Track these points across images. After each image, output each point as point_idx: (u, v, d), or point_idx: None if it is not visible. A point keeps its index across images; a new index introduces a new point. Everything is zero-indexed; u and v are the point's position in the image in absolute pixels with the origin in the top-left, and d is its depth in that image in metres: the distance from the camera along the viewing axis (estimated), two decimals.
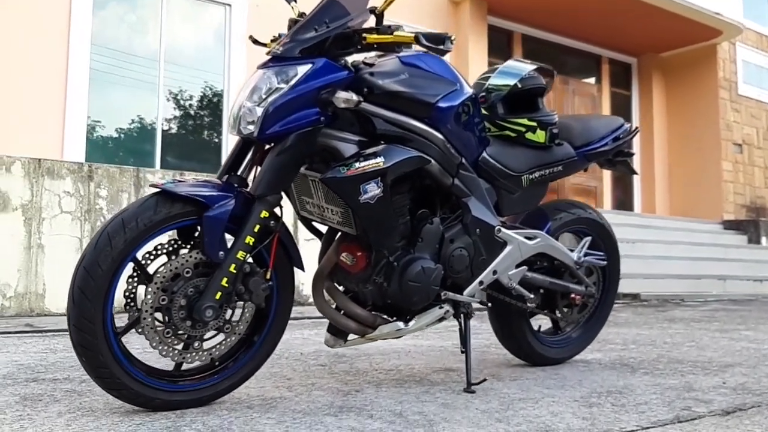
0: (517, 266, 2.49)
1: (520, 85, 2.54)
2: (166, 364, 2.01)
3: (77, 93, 6.70)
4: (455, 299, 2.32)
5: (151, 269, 1.94)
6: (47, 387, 2.27)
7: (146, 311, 1.85)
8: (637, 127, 2.97)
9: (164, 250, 1.96)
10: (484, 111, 2.53)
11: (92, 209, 4.86)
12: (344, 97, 1.97)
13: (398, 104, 2.13)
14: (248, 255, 1.94)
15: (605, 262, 2.80)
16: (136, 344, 2.51)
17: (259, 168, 2.05)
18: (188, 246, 1.99)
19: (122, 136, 7.35)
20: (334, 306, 2.27)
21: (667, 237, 9.24)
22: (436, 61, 2.25)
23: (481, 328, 3.83)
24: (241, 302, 1.99)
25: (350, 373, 2.58)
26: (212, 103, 7.97)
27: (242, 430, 1.75)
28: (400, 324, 2.23)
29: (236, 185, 2.00)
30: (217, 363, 2.04)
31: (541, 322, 2.89)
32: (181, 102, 7.83)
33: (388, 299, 2.20)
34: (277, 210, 2.01)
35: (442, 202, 2.33)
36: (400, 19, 8.46)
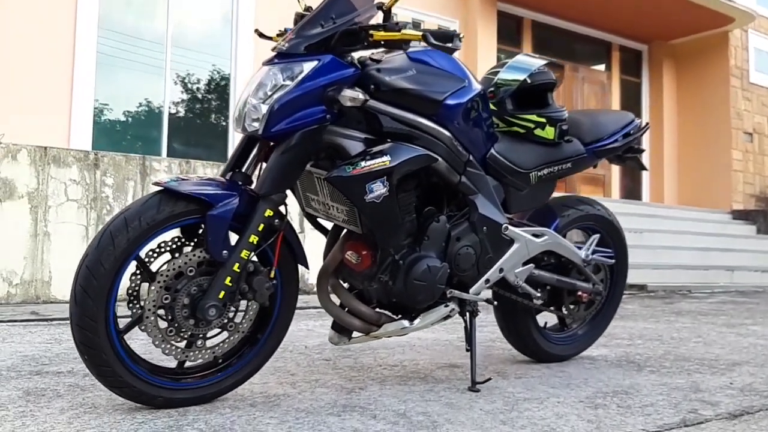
0: (524, 264, 2.46)
1: (529, 81, 2.50)
2: (170, 361, 2.01)
3: (84, 77, 6.69)
4: (461, 297, 2.30)
5: (154, 267, 1.93)
6: (51, 381, 2.27)
7: (149, 309, 1.83)
8: (647, 123, 2.93)
9: (168, 248, 1.94)
10: (492, 106, 2.50)
11: (98, 197, 4.85)
12: (350, 96, 1.94)
13: (405, 101, 2.09)
14: (252, 254, 1.93)
15: (613, 261, 2.77)
16: (140, 337, 2.51)
17: (264, 165, 2.03)
18: (192, 243, 1.98)
19: (130, 119, 7.34)
20: (338, 303, 2.26)
21: (675, 227, 9.19)
22: (444, 57, 2.21)
23: (487, 321, 3.81)
24: (245, 301, 1.98)
25: (354, 368, 2.57)
26: (219, 87, 7.95)
27: (244, 430, 1.74)
28: (405, 322, 2.21)
29: (240, 183, 1.98)
30: (220, 361, 2.03)
31: (547, 318, 2.88)
32: (189, 86, 7.81)
33: (394, 298, 2.18)
34: (281, 208, 1.99)
35: (449, 200, 2.31)
36: (409, 4, 8.42)
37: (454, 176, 2.23)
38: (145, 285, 1.90)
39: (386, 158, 2.01)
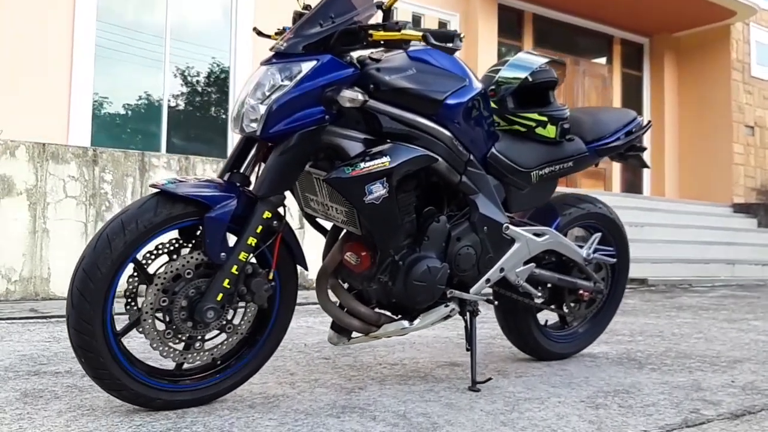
0: (525, 263, 2.45)
1: (531, 79, 2.48)
2: (168, 363, 1.99)
3: (83, 70, 6.66)
4: (461, 297, 2.29)
5: (151, 269, 1.91)
6: (48, 381, 2.26)
7: (147, 312, 1.82)
8: (649, 121, 2.91)
9: (165, 250, 1.93)
10: (493, 104, 2.47)
11: (97, 194, 4.84)
12: (349, 97, 1.92)
13: (405, 101, 2.07)
14: (250, 256, 1.91)
15: (615, 260, 2.75)
16: (138, 338, 2.49)
17: (262, 165, 2.01)
18: (189, 245, 1.96)
19: (129, 112, 7.31)
20: (337, 304, 2.24)
21: (675, 220, 9.17)
22: (444, 55, 2.19)
23: (487, 317, 3.80)
24: (244, 303, 1.97)
25: (354, 367, 2.56)
26: (219, 80, 7.92)
27: None
28: (405, 323, 2.20)
29: (239, 184, 1.96)
30: (219, 362, 2.02)
31: (548, 316, 2.86)
32: (188, 79, 7.78)
33: (393, 298, 2.17)
34: (280, 209, 1.97)
35: (449, 199, 2.29)
36: None
37: (455, 176, 2.21)
38: (142, 287, 1.89)
39: (386, 159, 1.99)
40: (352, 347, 2.97)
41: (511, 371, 2.55)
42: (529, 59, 2.57)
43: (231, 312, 1.95)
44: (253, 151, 2.04)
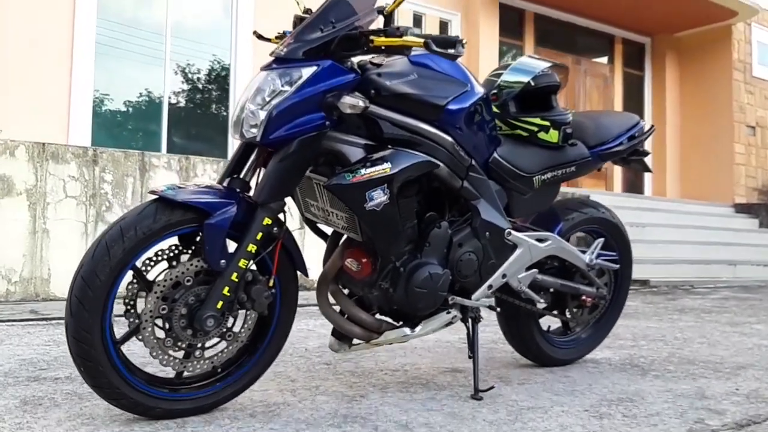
0: (528, 269, 2.43)
1: (533, 83, 2.46)
2: (168, 371, 1.98)
3: (83, 68, 6.63)
4: (463, 304, 2.27)
5: (151, 275, 1.90)
6: (48, 388, 2.24)
7: (146, 320, 1.80)
8: (653, 126, 2.89)
9: (165, 256, 1.91)
10: (495, 109, 2.45)
11: (97, 194, 4.82)
12: (350, 103, 1.90)
13: (406, 106, 2.05)
14: (250, 263, 1.89)
15: (618, 266, 2.74)
16: (137, 344, 2.47)
17: (262, 170, 2.00)
18: (189, 251, 1.94)
19: (130, 109, 7.29)
20: (338, 310, 2.23)
21: (677, 221, 9.15)
22: (446, 60, 2.16)
23: (488, 320, 3.77)
24: (244, 310, 1.95)
25: (355, 373, 2.55)
26: (220, 78, 7.90)
27: None
28: (407, 330, 2.18)
29: (238, 190, 1.94)
30: (219, 370, 2.00)
31: (550, 322, 2.84)
32: (189, 76, 7.76)
33: (394, 305, 2.15)
34: (280, 216, 1.95)
35: (451, 205, 2.27)
36: None
37: (456, 181, 2.19)
38: (142, 294, 1.87)
39: (387, 165, 1.97)
40: (353, 352, 2.95)
41: (514, 378, 2.53)
42: (532, 63, 2.55)
43: (231, 319, 1.93)
44: (253, 156, 2.02)
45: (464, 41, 1.87)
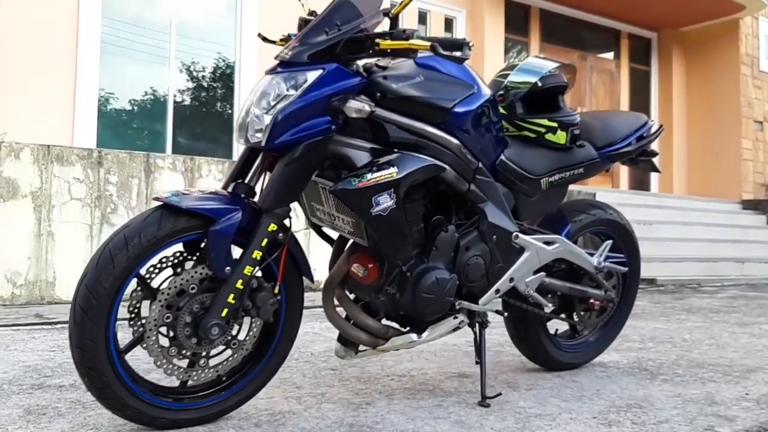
0: (535, 272, 2.40)
1: (540, 84, 2.43)
2: (172, 380, 1.96)
3: (88, 67, 6.62)
4: (470, 309, 2.25)
5: (155, 282, 1.87)
6: (52, 396, 2.23)
7: (150, 329, 1.78)
8: (661, 126, 2.85)
9: (169, 263, 1.89)
10: (502, 110, 2.42)
11: (102, 196, 4.81)
12: (356, 107, 1.88)
13: (412, 109, 2.03)
14: (256, 269, 1.87)
15: (626, 269, 2.71)
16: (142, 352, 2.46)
17: (267, 174, 1.97)
18: (194, 258, 1.92)
19: (135, 108, 7.28)
20: (344, 316, 2.20)
21: (684, 218, 9.09)
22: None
23: (495, 323, 3.74)
24: (249, 318, 1.93)
25: (361, 379, 2.52)
26: (225, 76, 7.88)
27: None
28: (413, 336, 2.16)
29: (243, 196, 1.92)
30: (224, 378, 1.98)
31: (558, 325, 2.81)
32: (194, 74, 7.74)
33: (401, 310, 2.13)
34: (286, 222, 1.93)
35: (458, 208, 2.24)
36: None
37: (463, 184, 2.16)
38: (146, 302, 1.85)
39: (393, 170, 1.94)
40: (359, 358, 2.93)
41: (521, 383, 2.51)
42: (539, 63, 2.51)
43: (236, 327, 1.91)
44: (258, 161, 1.99)
45: (471, 43, 1.84)
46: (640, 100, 11.77)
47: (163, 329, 1.82)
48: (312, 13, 2.17)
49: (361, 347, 2.19)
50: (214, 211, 1.81)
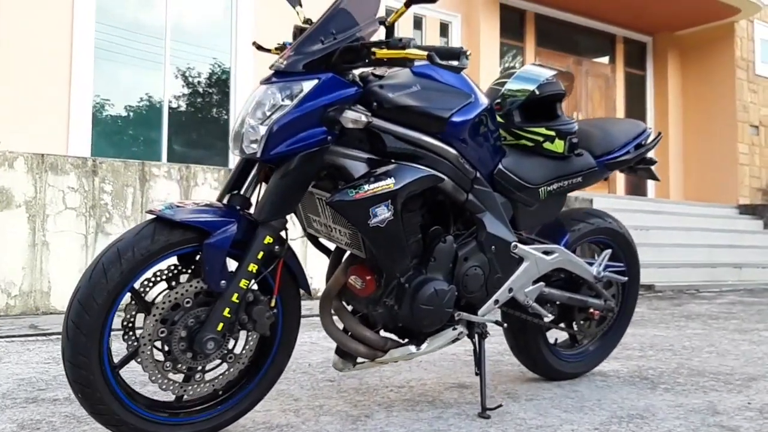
0: (534, 282, 2.38)
1: (538, 92, 2.41)
2: (167, 395, 1.92)
3: (83, 73, 6.57)
4: (469, 320, 2.22)
5: (150, 296, 1.84)
6: (46, 410, 2.19)
7: (145, 344, 1.75)
8: (660, 133, 2.84)
9: (164, 276, 1.86)
10: (499, 119, 2.40)
11: (97, 205, 4.77)
12: (352, 118, 1.85)
13: (410, 119, 2.00)
14: (251, 282, 1.84)
15: (626, 278, 2.68)
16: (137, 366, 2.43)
17: (263, 185, 1.95)
18: (188, 271, 1.89)
19: (130, 114, 7.24)
20: (341, 328, 2.18)
21: (681, 223, 9.08)
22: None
23: (494, 331, 3.73)
24: (245, 331, 1.90)
25: (360, 391, 2.50)
26: (220, 81, 7.84)
27: None
28: (412, 348, 2.14)
29: (239, 207, 1.90)
30: (220, 393, 1.95)
31: (558, 334, 2.79)
32: (189, 80, 7.71)
33: (400, 322, 2.10)
34: (282, 234, 1.90)
35: (456, 218, 2.22)
36: None
37: (461, 195, 2.14)
38: (140, 316, 1.82)
39: (390, 181, 1.92)
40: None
41: (521, 394, 2.48)
42: (536, 71, 2.49)
43: (232, 341, 1.88)
44: (253, 172, 1.97)
45: (468, 52, 1.81)
46: (635, 104, 11.78)
47: (158, 344, 1.79)
48: (307, 21, 2.15)
49: (360, 359, 2.16)
50: (208, 224, 1.78)
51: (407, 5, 1.91)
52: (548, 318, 2.47)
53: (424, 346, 2.15)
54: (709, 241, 8.76)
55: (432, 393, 2.48)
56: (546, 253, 2.40)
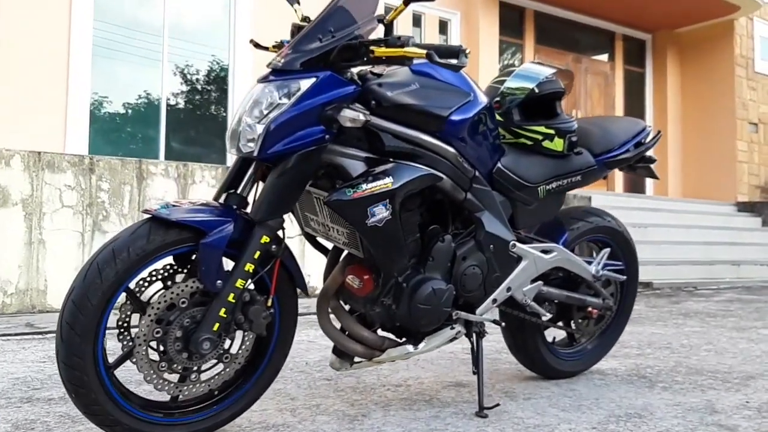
0: (533, 281, 2.37)
1: (537, 90, 2.40)
2: (163, 395, 1.91)
3: (80, 71, 6.54)
4: (467, 319, 2.21)
5: (145, 296, 1.83)
6: (41, 410, 2.18)
7: (140, 344, 1.74)
8: (659, 132, 2.82)
9: (159, 276, 1.84)
10: (498, 117, 2.39)
11: (94, 203, 4.76)
12: (350, 116, 1.84)
13: (408, 118, 1.99)
14: (248, 282, 1.83)
15: (624, 277, 2.68)
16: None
17: (260, 184, 1.93)
18: (184, 271, 1.88)
19: (129, 111, 7.21)
20: (339, 327, 2.16)
21: (679, 220, 9.07)
22: None
23: (491, 329, 3.71)
24: (241, 331, 1.88)
25: (357, 390, 2.48)
26: (219, 78, 7.82)
27: None
28: (410, 347, 2.12)
29: (235, 207, 1.88)
30: (216, 392, 1.94)
31: (556, 333, 2.78)
32: (187, 77, 7.68)
33: (397, 322, 2.09)
34: (279, 233, 1.89)
35: (454, 217, 2.21)
36: None
37: (460, 193, 2.13)
38: (135, 315, 1.81)
39: (388, 180, 1.90)
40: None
41: (519, 392, 2.47)
42: (536, 69, 2.48)
43: (228, 341, 1.87)
44: (250, 171, 1.95)
45: (467, 51, 1.80)
46: (634, 102, 11.76)
47: (153, 344, 1.78)
48: (305, 18, 2.13)
49: (357, 359, 2.15)
50: (204, 224, 1.77)
51: (406, 3, 1.89)
52: (546, 317, 2.46)
53: (421, 345, 2.14)
54: (708, 238, 8.75)
55: (429, 392, 2.47)
56: (544, 252, 2.39)
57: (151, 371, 1.77)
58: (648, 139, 2.68)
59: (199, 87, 7.81)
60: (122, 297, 1.78)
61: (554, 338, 2.75)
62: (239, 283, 1.80)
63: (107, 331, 1.73)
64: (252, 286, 1.90)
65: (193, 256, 1.85)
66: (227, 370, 1.89)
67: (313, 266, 4.71)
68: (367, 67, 2.03)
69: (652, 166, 2.75)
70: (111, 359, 1.78)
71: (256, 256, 1.82)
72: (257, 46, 2.29)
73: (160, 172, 5.03)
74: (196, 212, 1.79)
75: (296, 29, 2.10)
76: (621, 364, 3.03)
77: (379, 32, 1.99)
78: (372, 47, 1.84)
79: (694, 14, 11.14)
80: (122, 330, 1.82)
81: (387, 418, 2.12)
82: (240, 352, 1.90)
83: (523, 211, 2.37)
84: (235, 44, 7.59)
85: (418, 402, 2.32)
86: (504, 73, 2.52)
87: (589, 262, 2.56)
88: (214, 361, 1.86)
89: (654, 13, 11.03)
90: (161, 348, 1.78)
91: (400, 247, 1.99)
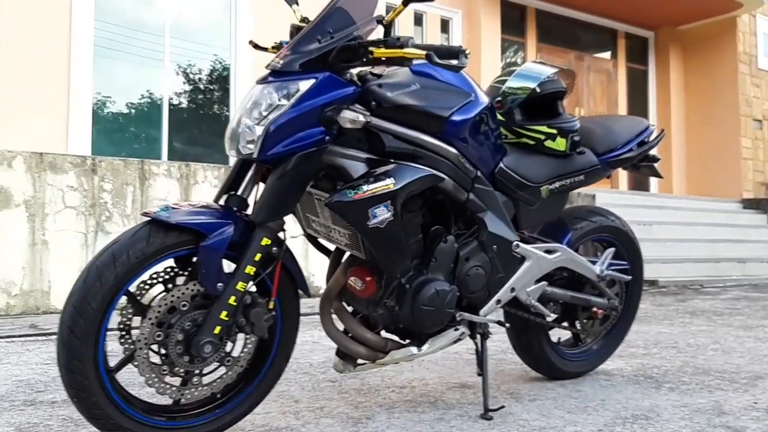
0: (537, 282, 2.35)
1: (539, 90, 2.38)
2: (165, 398, 1.90)
3: (82, 71, 6.53)
4: (471, 320, 2.19)
5: (145, 299, 1.82)
6: (44, 413, 2.17)
7: (141, 348, 1.73)
8: (663, 130, 2.80)
9: (160, 279, 1.83)
10: (500, 117, 2.37)
11: (97, 203, 4.75)
12: (350, 118, 1.82)
13: (409, 119, 1.97)
14: (249, 285, 1.82)
15: (629, 277, 2.65)
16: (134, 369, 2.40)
17: (260, 186, 1.92)
18: (185, 274, 1.86)
19: (132, 111, 7.21)
20: (342, 329, 2.15)
21: (684, 218, 9.04)
22: None
23: (496, 329, 3.69)
24: (243, 334, 1.87)
25: (361, 391, 2.47)
26: (221, 78, 7.81)
27: None
28: (413, 349, 2.11)
29: (236, 209, 1.87)
30: (218, 396, 1.93)
31: (561, 333, 2.76)
32: (189, 77, 7.67)
33: (400, 323, 2.08)
34: (280, 235, 1.88)
35: (457, 218, 2.19)
36: None
37: (462, 194, 2.11)
38: (137, 319, 1.79)
39: (390, 181, 1.89)
40: None
41: (524, 394, 2.45)
42: (537, 69, 2.46)
43: (230, 344, 1.86)
44: (250, 173, 1.94)
45: (467, 51, 1.78)
46: (637, 99, 11.73)
47: (155, 347, 1.77)
48: (304, 19, 2.12)
49: (360, 361, 2.14)
50: (205, 226, 1.76)
51: (405, 3, 1.87)
52: (551, 317, 2.44)
53: (425, 347, 2.13)
54: (713, 236, 8.72)
55: (434, 393, 2.45)
56: (548, 252, 2.37)
57: (153, 375, 1.76)
58: (651, 138, 2.66)
59: (201, 86, 7.81)
60: (123, 300, 1.76)
61: (559, 339, 2.73)
62: (240, 285, 1.78)
63: (109, 334, 1.72)
64: (253, 289, 1.88)
65: (194, 259, 1.84)
66: (229, 373, 1.88)
67: (316, 266, 4.72)
68: (367, 68, 2.02)
69: (655, 165, 2.73)
70: (112, 363, 1.77)
71: (257, 258, 1.81)
72: (256, 47, 2.28)
73: (162, 172, 5.02)
74: (196, 215, 1.78)
75: (295, 30, 2.09)
76: (627, 364, 3.01)
77: (378, 33, 1.98)
78: (371, 48, 1.83)
79: (697, 11, 11.10)
80: (124, 333, 1.80)
81: (391, 421, 2.10)
82: (242, 355, 1.88)
83: (526, 211, 2.35)
84: (237, 43, 7.59)
85: (422, 404, 2.31)
86: (505, 72, 2.50)
87: (594, 262, 2.54)
88: (216, 364, 1.85)
89: (656, 11, 10.99)
90: (162, 351, 1.77)
91: (402, 248, 1.98)
